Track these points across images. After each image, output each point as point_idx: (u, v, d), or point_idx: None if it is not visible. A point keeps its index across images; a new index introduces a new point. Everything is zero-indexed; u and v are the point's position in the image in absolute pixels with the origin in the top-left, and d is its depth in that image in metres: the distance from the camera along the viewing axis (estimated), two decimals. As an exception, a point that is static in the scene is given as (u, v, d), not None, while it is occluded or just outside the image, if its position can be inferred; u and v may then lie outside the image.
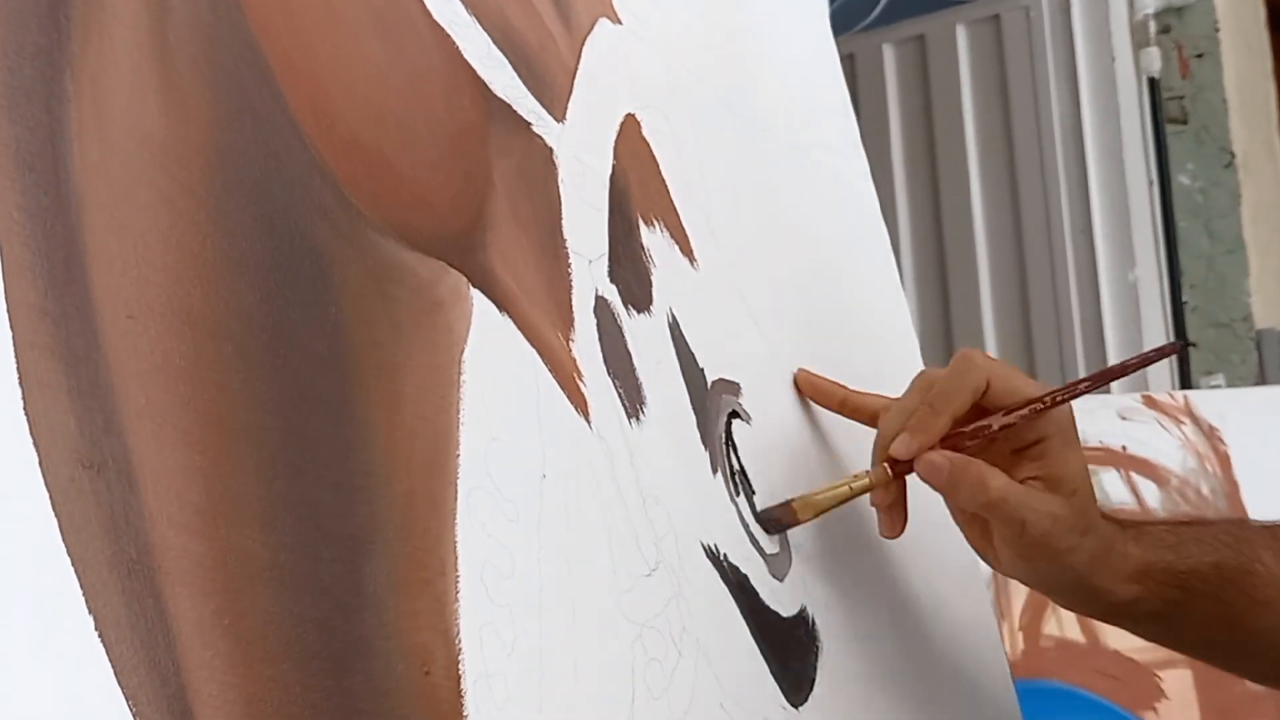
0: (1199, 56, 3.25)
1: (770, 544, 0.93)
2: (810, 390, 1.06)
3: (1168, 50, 3.27)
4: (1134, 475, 1.94)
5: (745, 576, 0.89)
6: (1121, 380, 3.11)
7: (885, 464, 0.96)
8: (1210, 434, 2.02)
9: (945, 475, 0.94)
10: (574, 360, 0.80)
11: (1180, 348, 1.00)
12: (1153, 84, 3.26)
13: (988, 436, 0.95)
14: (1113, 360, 3.13)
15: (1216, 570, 1.00)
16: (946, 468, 0.94)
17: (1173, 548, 1.00)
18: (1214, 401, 2.09)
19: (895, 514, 0.98)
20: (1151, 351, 1.08)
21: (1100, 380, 1.03)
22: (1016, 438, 0.96)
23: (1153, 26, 3.27)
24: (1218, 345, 3.17)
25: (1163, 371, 3.11)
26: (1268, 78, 3.52)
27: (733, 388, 0.96)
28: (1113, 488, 1.92)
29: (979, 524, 0.98)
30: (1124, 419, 2.00)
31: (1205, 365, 3.16)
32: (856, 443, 1.06)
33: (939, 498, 0.97)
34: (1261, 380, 3.12)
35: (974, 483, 0.93)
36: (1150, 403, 2.05)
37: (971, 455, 0.94)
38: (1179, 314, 3.17)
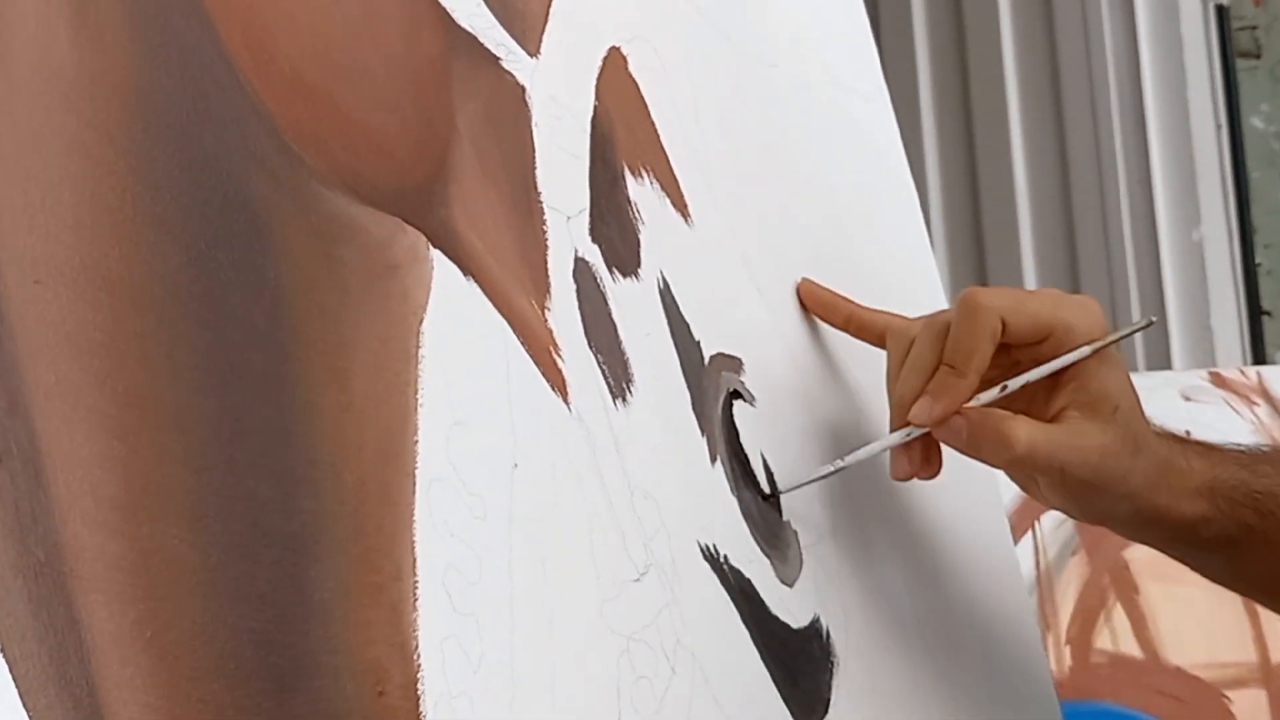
0: (1275, -20, 3.25)
1: (779, 544, 0.94)
2: (812, 302, 1.08)
3: (1239, -27, 3.27)
4: (1199, 465, 1.94)
5: (749, 581, 0.89)
6: (1185, 354, 3.11)
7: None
8: (1288, 416, 2.02)
9: (964, 435, 0.96)
10: (550, 331, 0.80)
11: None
12: (1221, 12, 3.25)
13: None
14: (1174, 332, 3.13)
15: None
16: (964, 427, 0.96)
17: (1246, 466, 1.02)
18: (1292, 379, 2.10)
19: (926, 458, 1.00)
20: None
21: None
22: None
23: (1221, -55, 3.27)
24: (1296, 314, 3.17)
25: (1233, 345, 3.12)
26: (1355, 5, 3.52)
27: (733, 363, 0.96)
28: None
29: (1021, 475, 1.00)
30: (1188, 399, 2.01)
31: (1282, 338, 3.17)
32: (875, 421, 1.06)
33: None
34: (1346, 354, 3.13)
35: (995, 438, 0.95)
36: (1218, 380, 2.05)
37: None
38: (1251, 278, 3.17)
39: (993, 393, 0.96)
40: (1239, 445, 1.05)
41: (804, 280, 1.08)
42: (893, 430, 0.99)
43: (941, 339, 0.97)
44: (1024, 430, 0.94)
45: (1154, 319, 1.20)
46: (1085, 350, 0.97)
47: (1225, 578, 1.08)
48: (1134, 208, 3.24)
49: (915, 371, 0.98)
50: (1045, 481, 0.97)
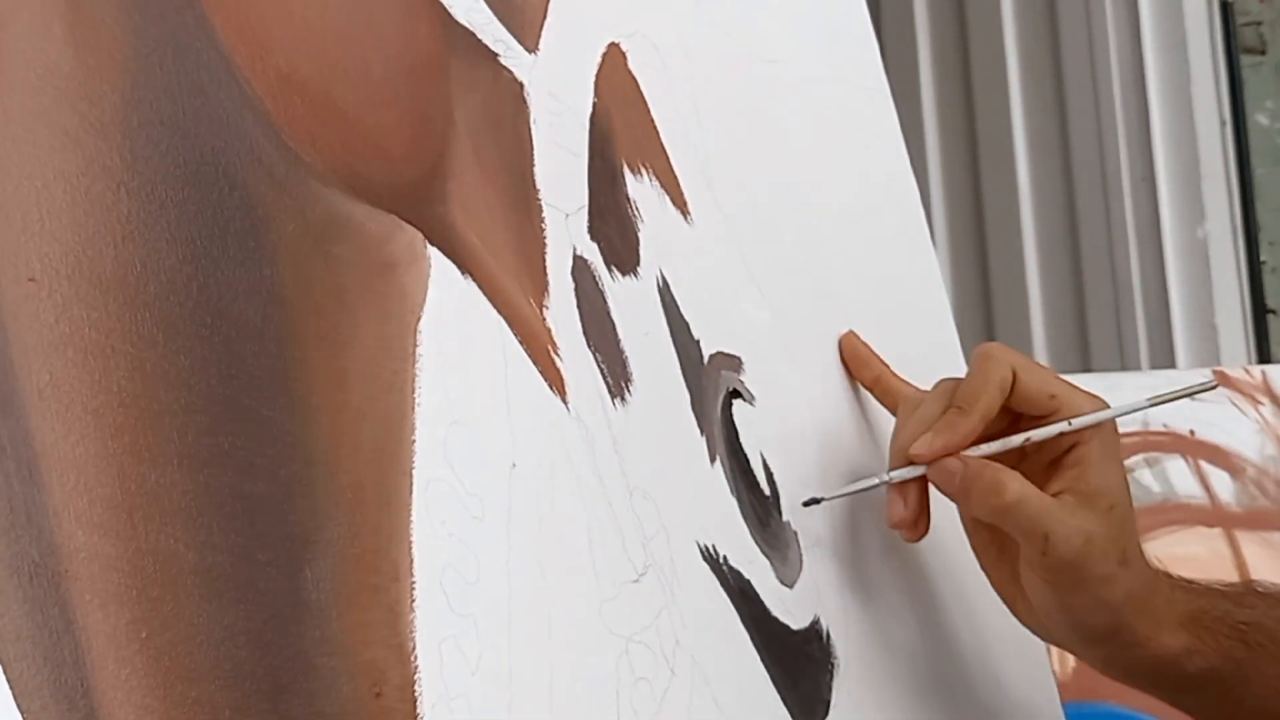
0: (1280, -25, 3.25)
1: (779, 545, 0.94)
2: (850, 355, 1.08)
3: (1243, -32, 3.27)
4: (1203, 464, 1.94)
5: (748, 582, 0.90)
6: (1190, 353, 3.11)
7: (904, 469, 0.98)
8: (1292, 416, 2.02)
9: (958, 480, 0.95)
10: (548, 330, 0.80)
11: (1212, 388, 0.99)
12: (1225, 8, 3.25)
13: (1017, 449, 0.96)
14: (1178, 331, 3.13)
15: None
16: (959, 470, 0.95)
17: (1230, 598, 1.00)
18: (1297, 378, 2.10)
19: (918, 521, 1.00)
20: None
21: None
22: (1051, 448, 0.97)
23: (1225, -59, 3.27)
24: (1302, 313, 3.17)
25: (1238, 343, 3.12)
26: (1361, 0, 3.52)
27: (733, 362, 0.97)
28: (1179, 479, 1.92)
29: (992, 543, 0.99)
30: (1192, 399, 2.00)
31: (1287, 336, 3.17)
32: (877, 429, 1.06)
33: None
34: (1353, 354, 3.13)
35: (988, 486, 0.94)
36: (1223, 379, 2.05)
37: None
38: (1256, 276, 3.17)
39: (995, 446, 0.96)
40: (1221, 582, 1.03)
41: (849, 333, 1.09)
42: (891, 469, 0.99)
43: (950, 394, 0.97)
44: (1017, 483, 0.94)
45: (1215, 383, 1.17)
46: (1111, 413, 0.97)
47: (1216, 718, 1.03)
48: (1138, 205, 3.24)
49: (921, 420, 0.98)
50: (1028, 555, 0.94)
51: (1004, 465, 0.95)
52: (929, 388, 1.00)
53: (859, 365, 1.08)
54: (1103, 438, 0.97)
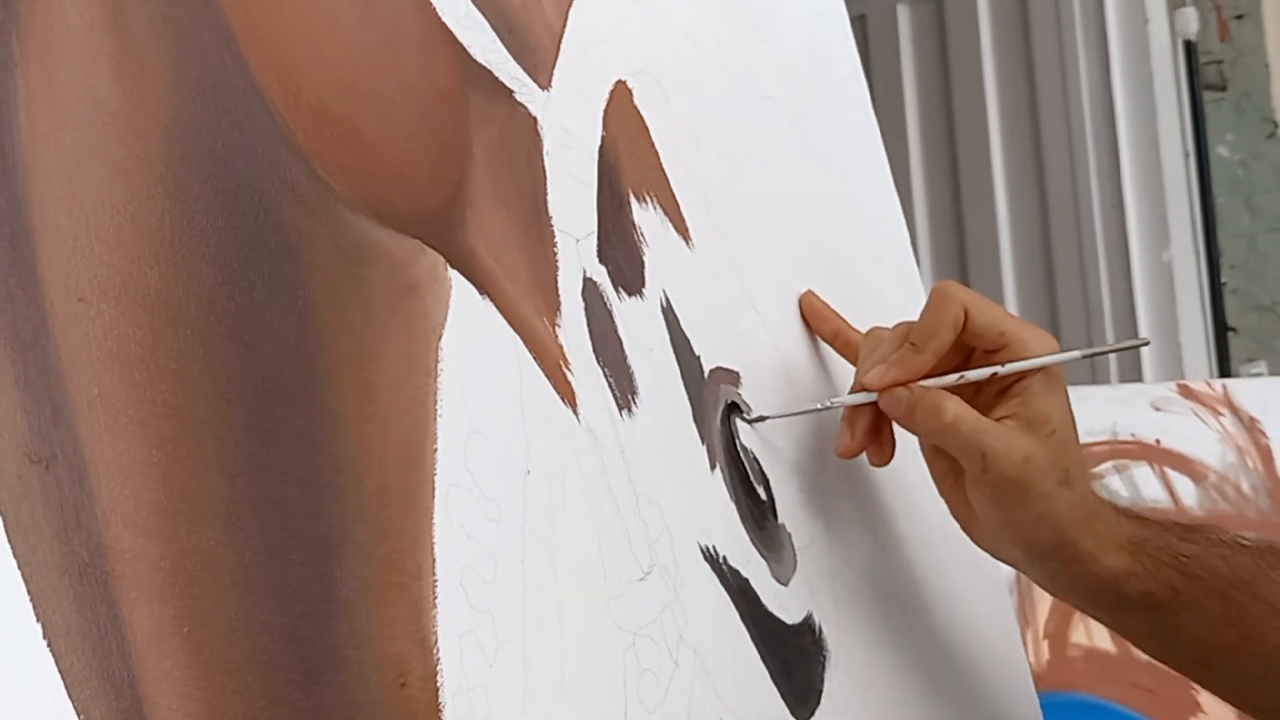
0: (1239, 18, 3.25)
1: (774, 545, 0.94)
2: (809, 311, 1.09)
3: (1205, 11, 3.26)
4: (1168, 470, 1.94)
5: (746, 580, 0.89)
6: (1156, 368, 3.11)
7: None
8: (1251, 426, 2.02)
9: (904, 406, 0.95)
10: (560, 347, 0.80)
11: (1144, 344, 0.99)
12: (1189, 47, 3.25)
13: (971, 383, 0.97)
14: (1146, 348, 3.13)
15: (1227, 564, 0.98)
16: (905, 397, 0.95)
17: (1174, 532, 0.99)
18: (1255, 391, 2.09)
19: (878, 440, 1.00)
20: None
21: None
22: (1000, 380, 0.97)
23: (1189, -15, 3.27)
24: (1259, 331, 3.17)
25: (1200, 359, 3.12)
26: (1314, 40, 3.52)
27: (731, 376, 0.97)
28: (1146, 484, 1.92)
29: (949, 469, 0.99)
30: (1158, 410, 2.00)
31: (1246, 352, 3.16)
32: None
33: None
34: (1307, 369, 3.13)
35: (928, 408, 0.94)
36: (1186, 392, 2.05)
37: None
38: (1217, 297, 3.17)
39: (948, 379, 0.96)
40: (1173, 516, 1.02)
41: (808, 291, 1.09)
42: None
43: (907, 334, 0.97)
44: (955, 404, 0.94)
45: (1147, 340, 1.18)
46: (1064, 357, 0.96)
47: (1155, 646, 1.02)
48: (1107, 230, 3.25)
49: (877, 356, 0.98)
50: (971, 474, 0.95)
51: (954, 394, 0.95)
52: None
53: (818, 320, 1.09)
54: (1048, 373, 0.97)
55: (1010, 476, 0.93)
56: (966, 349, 0.98)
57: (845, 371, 1.07)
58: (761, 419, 0.97)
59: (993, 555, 1.01)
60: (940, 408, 0.94)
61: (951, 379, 0.96)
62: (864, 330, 1.05)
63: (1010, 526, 0.96)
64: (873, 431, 1.00)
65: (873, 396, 0.97)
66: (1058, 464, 0.94)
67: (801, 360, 1.07)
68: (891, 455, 1.01)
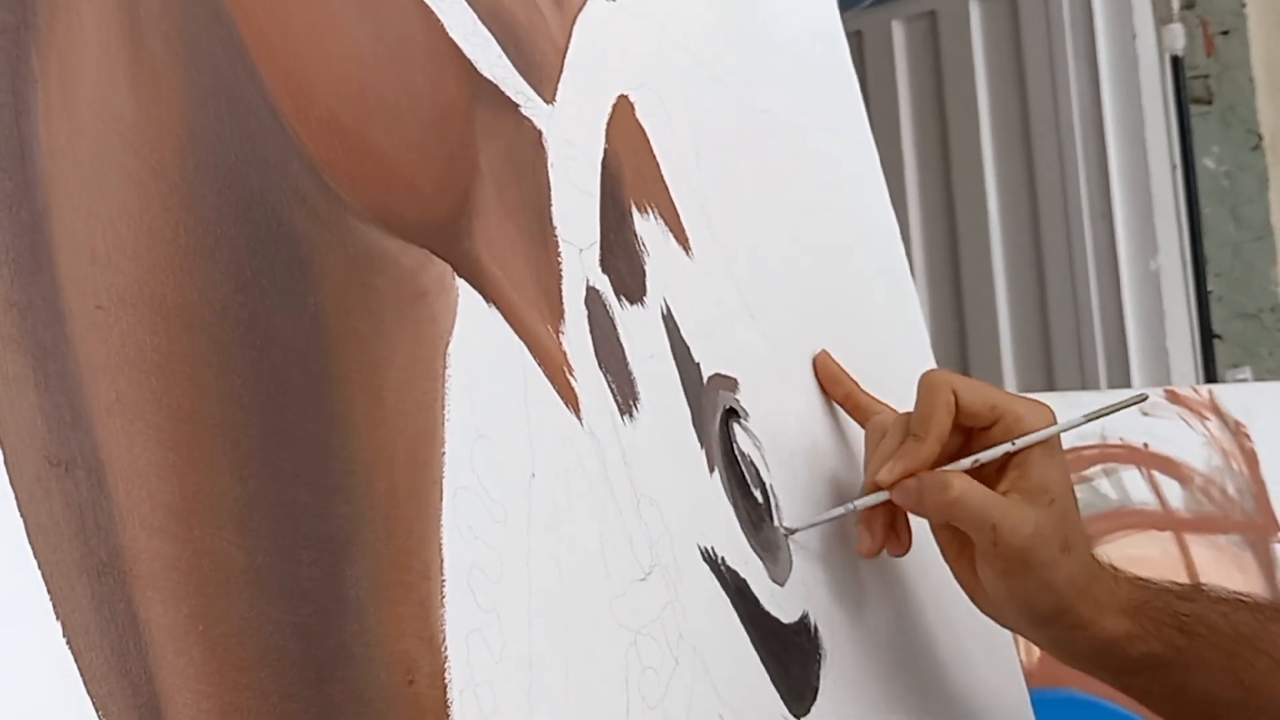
0: (1224, 33, 3.26)
1: (771, 547, 0.94)
2: (823, 372, 1.09)
3: (1192, 27, 3.27)
4: (1156, 474, 1.94)
5: (744, 581, 0.89)
6: (1143, 373, 3.11)
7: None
8: (1236, 430, 2.02)
9: (914, 493, 0.95)
10: (564, 353, 0.80)
11: (1142, 400, 0.99)
12: (1176, 62, 3.26)
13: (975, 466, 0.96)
14: (1133, 353, 3.13)
15: (1227, 621, 0.98)
16: (915, 486, 0.95)
17: (1174, 593, 0.99)
18: (1240, 396, 2.10)
19: (895, 533, 1.00)
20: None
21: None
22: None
23: (1176, 2, 3.27)
24: (1244, 337, 3.17)
25: (1186, 364, 3.12)
26: (1297, 55, 3.52)
27: (729, 383, 0.97)
28: (1134, 486, 1.92)
29: (959, 547, 0.98)
30: (1145, 414, 2.00)
31: (1231, 358, 3.17)
32: (856, 442, 1.06)
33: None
34: (1290, 374, 3.13)
35: (935, 486, 0.94)
36: (1173, 397, 2.05)
37: None
38: (1204, 304, 3.18)
39: (963, 463, 0.96)
40: (1170, 581, 1.02)
41: (822, 352, 1.09)
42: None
43: (907, 426, 0.97)
44: (961, 481, 0.94)
45: (1146, 395, 1.16)
46: (1070, 424, 0.96)
47: (1165, 706, 1.01)
48: (1097, 239, 3.25)
49: (883, 454, 0.98)
50: (980, 548, 0.94)
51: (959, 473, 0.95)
52: (901, 405, 1.01)
53: (831, 383, 1.09)
54: (1046, 442, 0.96)
55: (1018, 548, 0.93)
56: (964, 430, 0.98)
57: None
58: (791, 532, 0.97)
59: (997, 622, 1.01)
60: (946, 484, 0.94)
61: (966, 463, 0.96)
62: (873, 394, 1.06)
63: (1015, 596, 0.95)
64: (889, 527, 1.00)
65: (887, 495, 0.97)
66: (1058, 532, 0.94)
67: (797, 367, 1.07)
68: (909, 545, 1.01)
